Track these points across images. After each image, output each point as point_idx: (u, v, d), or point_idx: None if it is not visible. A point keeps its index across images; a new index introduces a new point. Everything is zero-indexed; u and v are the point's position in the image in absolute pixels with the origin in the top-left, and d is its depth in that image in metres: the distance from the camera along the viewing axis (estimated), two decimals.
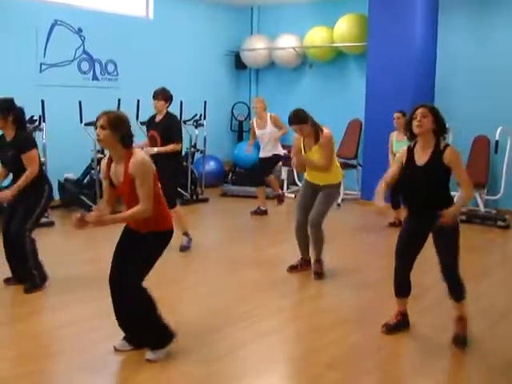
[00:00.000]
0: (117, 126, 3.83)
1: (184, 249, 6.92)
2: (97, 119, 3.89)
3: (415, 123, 4.22)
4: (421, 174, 4.29)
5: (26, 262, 5.38)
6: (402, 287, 4.60)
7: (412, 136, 4.32)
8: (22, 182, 5.25)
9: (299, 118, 5.73)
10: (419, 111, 4.23)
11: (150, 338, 4.14)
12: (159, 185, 4.04)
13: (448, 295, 4.41)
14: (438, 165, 4.22)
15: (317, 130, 5.77)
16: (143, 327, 4.13)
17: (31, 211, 5.35)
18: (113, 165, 3.99)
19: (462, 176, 4.30)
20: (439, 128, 4.26)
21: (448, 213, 4.13)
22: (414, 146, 4.36)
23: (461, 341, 4.36)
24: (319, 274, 6.01)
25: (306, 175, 6.07)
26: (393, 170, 4.51)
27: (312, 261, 6.11)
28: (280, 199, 9.30)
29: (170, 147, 6.64)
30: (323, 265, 6.07)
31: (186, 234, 7.00)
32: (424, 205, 4.34)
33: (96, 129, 3.89)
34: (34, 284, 5.42)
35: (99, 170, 8.64)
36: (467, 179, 4.31)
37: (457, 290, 4.36)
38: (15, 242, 5.35)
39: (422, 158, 4.28)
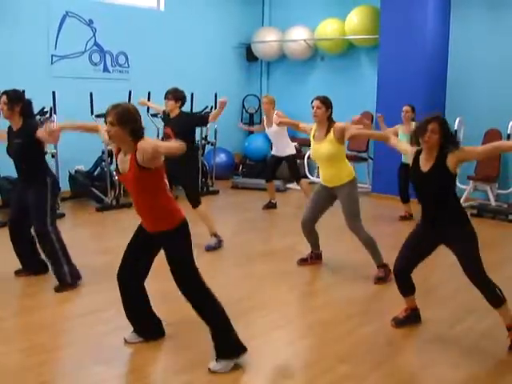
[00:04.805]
0: (125, 122, 3.76)
1: (210, 248, 6.74)
2: (106, 114, 3.85)
3: (425, 138, 4.17)
4: (425, 180, 4.27)
5: (57, 259, 5.33)
6: (405, 289, 4.60)
7: (417, 143, 4.29)
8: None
9: (325, 99, 5.75)
10: (430, 127, 4.15)
11: (217, 343, 3.95)
12: (166, 181, 4.00)
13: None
14: (441, 170, 4.20)
15: (330, 125, 5.73)
16: (214, 327, 3.98)
17: (42, 207, 5.32)
18: (120, 154, 3.93)
19: (477, 149, 4.30)
20: (445, 142, 4.21)
21: None
22: (421, 151, 4.34)
23: None
24: (380, 279, 5.71)
25: (321, 179, 5.94)
26: (394, 138, 4.68)
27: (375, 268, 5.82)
28: None
29: (213, 115, 6.73)
30: (387, 270, 5.69)
31: (214, 235, 6.84)
32: (434, 211, 4.31)
33: (106, 123, 3.87)
34: (65, 283, 5.35)
35: (110, 162, 8.69)
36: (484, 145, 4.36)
37: (491, 297, 4.22)
38: (42, 243, 5.36)
39: (426, 164, 4.27)
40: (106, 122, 3.86)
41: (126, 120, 3.78)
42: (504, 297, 4.23)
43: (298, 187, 10.41)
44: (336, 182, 5.75)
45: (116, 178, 8.57)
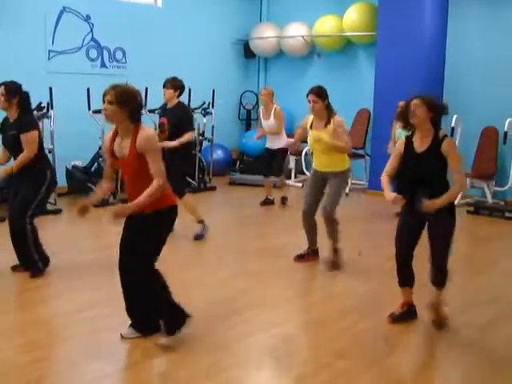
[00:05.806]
0: (124, 102, 3.74)
1: (198, 237, 6.88)
2: (104, 93, 3.81)
3: (410, 115, 4.30)
4: (420, 161, 4.33)
5: (28, 247, 5.39)
6: (405, 276, 4.60)
7: (406, 124, 4.41)
8: (16, 163, 5.28)
9: (319, 90, 5.74)
10: (412, 103, 4.31)
11: (164, 323, 4.11)
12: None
13: (430, 279, 4.46)
14: (436, 152, 4.28)
15: (330, 114, 5.74)
16: (156, 311, 4.11)
17: (32, 198, 5.34)
18: (117, 139, 3.91)
19: (455, 169, 4.32)
20: (435, 115, 4.30)
21: (431, 204, 4.17)
22: (413, 135, 4.42)
23: (437, 325, 4.51)
24: (335, 264, 5.94)
25: (313, 164, 6.03)
26: (392, 161, 4.57)
27: (330, 250, 6.01)
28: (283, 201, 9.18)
29: (185, 137, 6.57)
30: (340, 254, 5.98)
31: (200, 222, 6.96)
32: (423, 192, 4.34)
33: (104, 103, 3.82)
34: (38, 268, 5.45)
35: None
36: (460, 173, 4.34)
37: (441, 277, 4.41)
38: (16, 230, 5.37)
39: (421, 145, 4.35)
40: (104, 100, 3.82)
41: (125, 99, 3.75)
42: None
43: (296, 184, 10.50)
44: (330, 168, 5.84)
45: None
